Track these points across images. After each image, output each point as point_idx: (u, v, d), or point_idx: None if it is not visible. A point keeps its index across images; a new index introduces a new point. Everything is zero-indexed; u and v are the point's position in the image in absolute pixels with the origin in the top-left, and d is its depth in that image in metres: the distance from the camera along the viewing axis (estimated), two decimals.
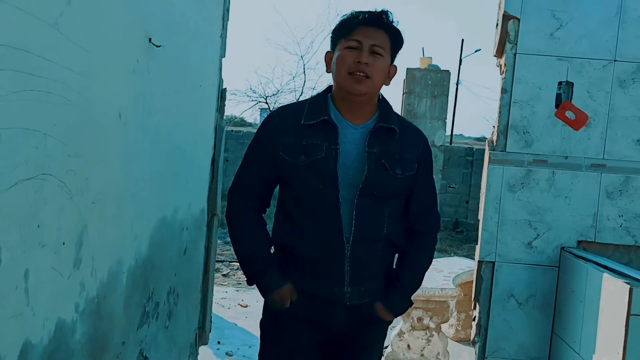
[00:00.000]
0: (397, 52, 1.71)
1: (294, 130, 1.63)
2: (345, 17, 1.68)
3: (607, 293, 2.05)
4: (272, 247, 1.71)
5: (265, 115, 1.98)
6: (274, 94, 17.51)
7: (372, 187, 1.62)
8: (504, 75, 2.49)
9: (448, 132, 19.59)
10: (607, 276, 2.07)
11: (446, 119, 5.57)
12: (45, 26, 1.15)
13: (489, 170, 2.52)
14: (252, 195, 1.71)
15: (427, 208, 1.79)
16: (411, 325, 3.87)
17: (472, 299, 2.58)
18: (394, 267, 1.79)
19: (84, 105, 1.32)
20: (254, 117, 21.28)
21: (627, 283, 1.95)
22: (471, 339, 2.64)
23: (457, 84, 23.66)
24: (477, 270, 2.55)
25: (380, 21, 1.64)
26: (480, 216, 2.56)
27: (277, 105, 16.19)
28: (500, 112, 2.51)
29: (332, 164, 1.60)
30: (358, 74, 1.59)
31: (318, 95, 1.73)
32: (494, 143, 2.52)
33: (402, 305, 1.77)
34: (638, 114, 2.45)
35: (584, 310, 2.23)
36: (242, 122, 21.60)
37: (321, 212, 1.61)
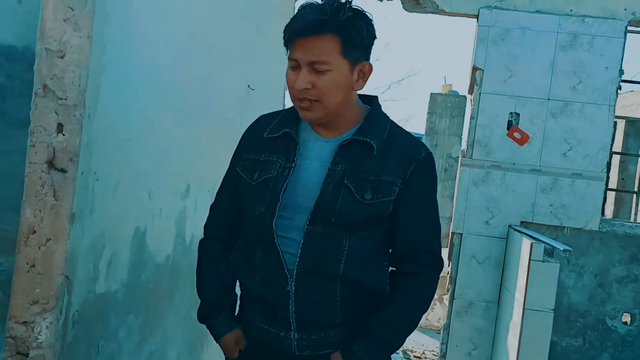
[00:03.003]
0: (360, 47, 1.34)
1: (257, 144, 1.43)
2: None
3: (523, 249, 3.20)
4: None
5: None
6: None
7: (328, 212, 1.34)
8: (472, 107, 3.67)
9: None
10: (524, 239, 3.22)
11: (462, 135, 6.73)
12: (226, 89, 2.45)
13: (461, 171, 3.70)
14: (220, 222, 1.52)
15: (417, 245, 1.41)
16: None
17: (447, 259, 3.76)
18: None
19: (222, 126, 2.62)
20: None
21: (532, 241, 3.09)
22: (446, 287, 3.81)
23: None
24: (450, 239, 3.73)
25: (318, 25, 1.29)
26: (454, 202, 3.74)
27: None
28: (469, 132, 3.69)
29: (280, 183, 1.36)
30: (302, 101, 1.34)
31: None
32: (465, 152, 3.70)
33: None
34: (564, 135, 3.58)
35: (515, 266, 3.38)
36: None
37: (262, 239, 1.38)
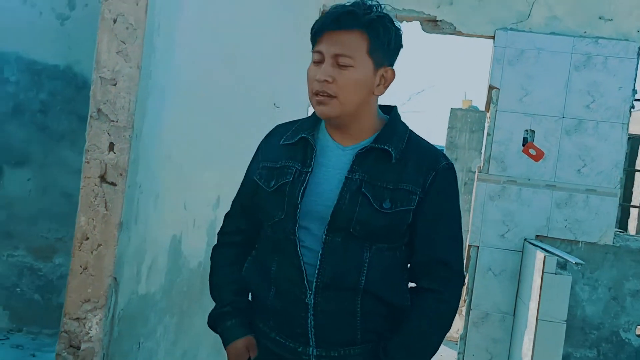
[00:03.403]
0: (387, 49, 1.34)
1: (274, 152, 1.41)
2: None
3: (537, 262, 3.31)
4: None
5: None
6: None
7: (346, 222, 1.31)
8: (489, 124, 3.81)
9: None
10: (538, 252, 3.33)
11: (482, 149, 6.78)
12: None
13: (477, 186, 3.83)
14: (234, 229, 1.50)
15: (436, 258, 1.35)
16: None
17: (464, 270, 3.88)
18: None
19: (250, 142, 2.81)
20: None
21: (545, 254, 3.20)
22: (463, 297, 3.92)
23: None
24: (467, 252, 3.85)
25: (349, 19, 1.30)
26: (470, 216, 3.86)
27: None
28: (486, 148, 3.82)
29: (297, 189, 1.33)
30: (320, 95, 1.32)
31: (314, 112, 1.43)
32: (481, 168, 3.83)
33: None
34: (578, 152, 3.69)
35: (530, 278, 3.48)
36: None
37: (281, 249, 1.35)
